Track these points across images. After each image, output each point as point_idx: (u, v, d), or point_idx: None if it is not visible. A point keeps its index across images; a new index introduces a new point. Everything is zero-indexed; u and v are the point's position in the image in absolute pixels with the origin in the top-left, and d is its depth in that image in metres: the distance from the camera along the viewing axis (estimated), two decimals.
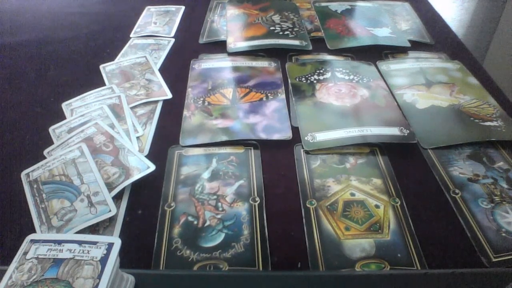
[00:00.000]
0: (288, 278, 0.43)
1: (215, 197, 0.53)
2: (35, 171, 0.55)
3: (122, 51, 0.85)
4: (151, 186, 0.55)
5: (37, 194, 0.52)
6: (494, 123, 0.64)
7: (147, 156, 0.59)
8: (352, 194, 0.54)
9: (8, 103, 0.72)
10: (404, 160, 0.59)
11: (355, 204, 0.52)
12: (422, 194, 0.54)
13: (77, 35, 0.92)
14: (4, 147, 0.62)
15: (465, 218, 0.51)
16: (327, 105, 0.69)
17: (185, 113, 0.67)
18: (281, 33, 0.88)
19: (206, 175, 0.56)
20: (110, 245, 0.37)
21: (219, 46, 0.86)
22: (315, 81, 0.74)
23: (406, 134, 0.62)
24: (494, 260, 0.46)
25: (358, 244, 0.47)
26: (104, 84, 0.74)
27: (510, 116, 0.66)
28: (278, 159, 0.59)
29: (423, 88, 0.73)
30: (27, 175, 0.55)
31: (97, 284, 0.35)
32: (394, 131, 0.62)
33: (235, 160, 0.59)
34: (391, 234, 0.49)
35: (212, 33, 0.92)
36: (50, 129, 0.64)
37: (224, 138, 0.62)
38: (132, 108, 0.68)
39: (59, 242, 0.38)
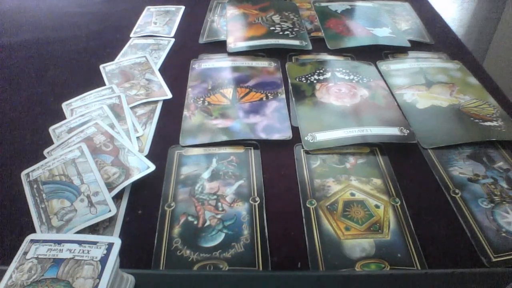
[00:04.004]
0: (288, 278, 0.43)
1: (215, 197, 0.53)
2: (35, 171, 0.55)
3: (122, 51, 0.85)
4: (151, 186, 0.55)
5: (37, 194, 0.52)
6: (494, 123, 0.64)
7: (147, 156, 0.59)
8: (352, 194, 0.54)
9: (8, 103, 0.72)
10: (404, 160, 0.59)
11: (355, 204, 0.52)
12: (422, 194, 0.54)
13: (77, 35, 0.92)
14: (4, 147, 0.62)
15: (465, 218, 0.51)
16: (327, 105, 0.69)
17: (185, 113, 0.67)
18: (281, 33, 0.88)
19: (206, 175, 0.56)
20: (110, 245, 0.37)
21: (219, 46, 0.86)
22: (315, 81, 0.74)
23: (406, 134, 0.62)
24: (494, 260, 0.46)
25: (358, 244, 0.47)
26: (104, 84, 0.74)
27: (510, 116, 0.66)
28: (278, 159, 0.59)
29: (423, 88, 0.73)
30: (27, 175, 0.55)
31: (97, 284, 0.35)
32: (394, 131, 0.62)
33: (235, 160, 0.59)
34: (391, 234, 0.49)
35: (212, 33, 0.92)
36: (50, 129, 0.64)
37: (224, 138, 0.62)
38: (132, 108, 0.68)
39: (59, 242, 0.38)
